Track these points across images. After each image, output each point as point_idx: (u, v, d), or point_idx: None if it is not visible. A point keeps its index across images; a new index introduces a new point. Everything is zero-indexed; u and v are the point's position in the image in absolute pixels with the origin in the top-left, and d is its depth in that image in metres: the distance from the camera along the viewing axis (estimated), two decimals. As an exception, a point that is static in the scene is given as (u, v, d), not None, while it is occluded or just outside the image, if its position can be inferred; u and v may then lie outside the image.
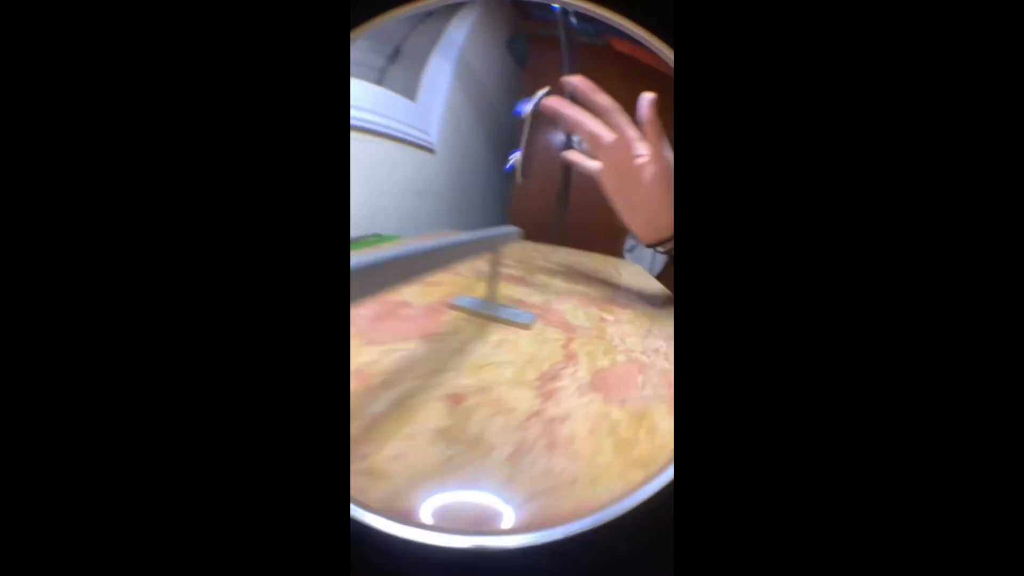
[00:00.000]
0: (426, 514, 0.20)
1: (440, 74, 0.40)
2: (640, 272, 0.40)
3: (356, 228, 0.33)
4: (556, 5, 0.37)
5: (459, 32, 0.40)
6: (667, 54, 0.25)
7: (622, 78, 0.34)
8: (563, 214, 0.40)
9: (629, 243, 0.40)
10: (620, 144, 0.34)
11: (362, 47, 0.36)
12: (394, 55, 0.39)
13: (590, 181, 0.36)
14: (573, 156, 0.37)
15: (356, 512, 0.20)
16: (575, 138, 0.37)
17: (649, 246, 0.37)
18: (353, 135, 0.33)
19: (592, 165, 0.36)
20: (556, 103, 0.36)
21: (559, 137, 0.38)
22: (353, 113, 0.34)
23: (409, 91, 0.39)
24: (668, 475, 0.21)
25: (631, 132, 0.34)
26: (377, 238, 0.33)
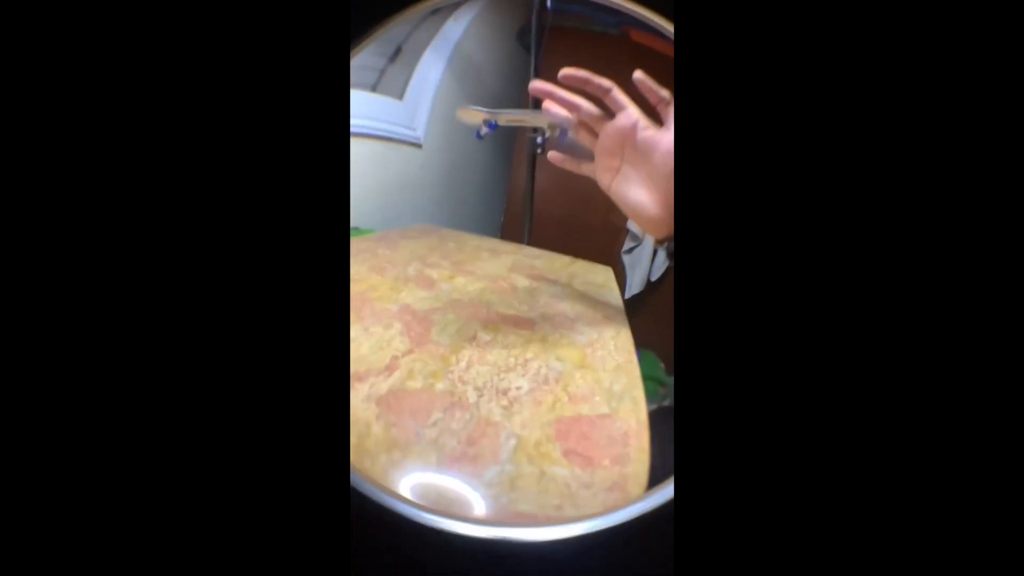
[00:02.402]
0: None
1: (431, 70, 0.42)
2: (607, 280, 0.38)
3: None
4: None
5: (457, 27, 0.40)
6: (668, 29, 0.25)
7: (639, 68, 0.31)
8: (529, 214, 0.39)
9: (628, 244, 0.37)
10: (626, 120, 0.31)
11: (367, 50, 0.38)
12: (395, 54, 0.40)
13: (570, 181, 0.34)
14: (556, 158, 0.34)
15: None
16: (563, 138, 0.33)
17: (659, 243, 0.33)
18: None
19: (584, 167, 0.33)
20: (545, 86, 0.32)
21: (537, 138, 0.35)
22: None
23: (397, 91, 0.42)
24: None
25: (634, 109, 0.31)
26: (355, 231, 0.36)
